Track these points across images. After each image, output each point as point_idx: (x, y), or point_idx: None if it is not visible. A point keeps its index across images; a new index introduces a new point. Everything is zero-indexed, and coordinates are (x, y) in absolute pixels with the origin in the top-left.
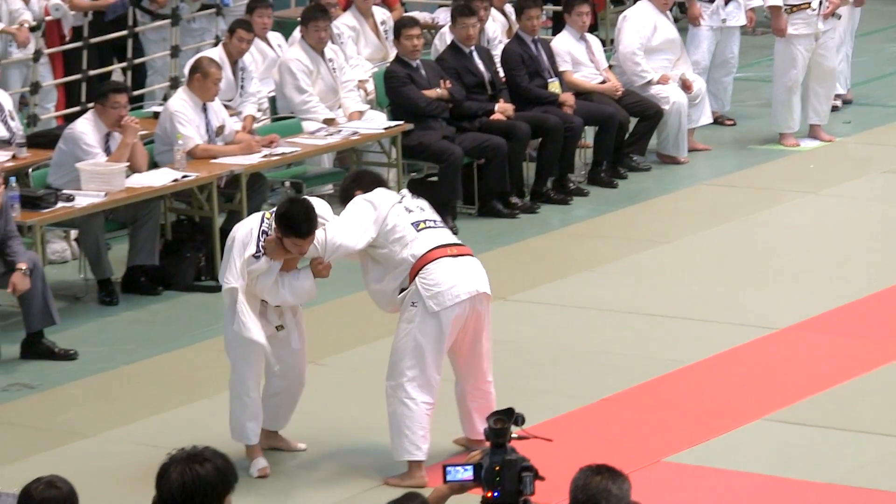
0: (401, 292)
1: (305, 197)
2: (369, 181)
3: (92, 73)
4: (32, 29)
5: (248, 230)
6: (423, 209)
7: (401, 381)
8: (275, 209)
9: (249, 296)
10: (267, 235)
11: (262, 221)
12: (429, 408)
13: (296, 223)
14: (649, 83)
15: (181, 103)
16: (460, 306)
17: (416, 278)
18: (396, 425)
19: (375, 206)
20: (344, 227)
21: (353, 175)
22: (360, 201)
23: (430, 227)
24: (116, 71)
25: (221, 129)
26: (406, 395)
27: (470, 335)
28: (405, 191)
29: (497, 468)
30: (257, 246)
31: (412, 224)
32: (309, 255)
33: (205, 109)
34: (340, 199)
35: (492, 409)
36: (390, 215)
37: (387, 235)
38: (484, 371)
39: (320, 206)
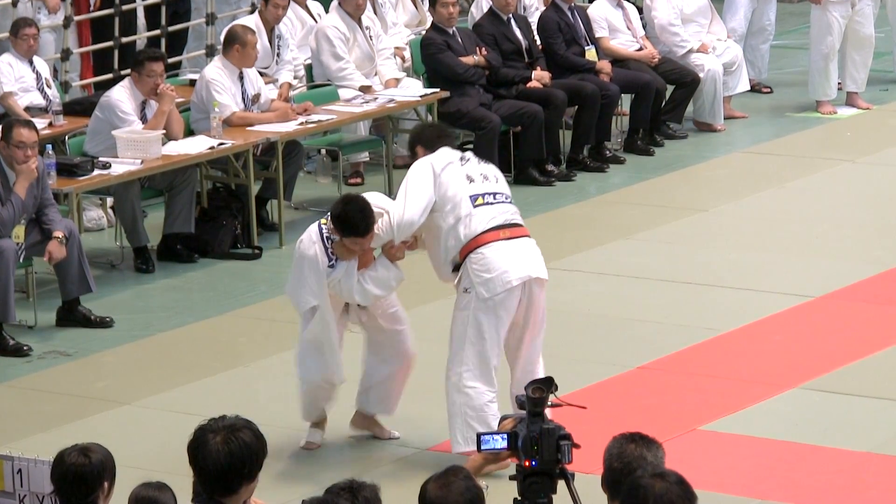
0: (453, 269)
1: (358, 194)
2: (432, 136)
3: (124, 40)
4: None
5: (312, 244)
6: (486, 178)
7: (460, 370)
8: (329, 213)
9: (332, 300)
10: (332, 241)
11: (321, 229)
12: (490, 397)
13: (352, 223)
14: (689, 52)
15: (217, 72)
16: (513, 292)
17: (467, 261)
18: (453, 416)
19: (433, 171)
20: (404, 204)
21: (418, 129)
22: (417, 169)
23: (488, 202)
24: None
25: (257, 97)
26: (464, 385)
27: (520, 322)
28: (470, 154)
29: (535, 437)
30: (328, 255)
31: (470, 197)
32: (378, 243)
33: (241, 78)
34: (408, 149)
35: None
36: (449, 181)
37: (442, 201)
38: (532, 361)
39: (376, 198)
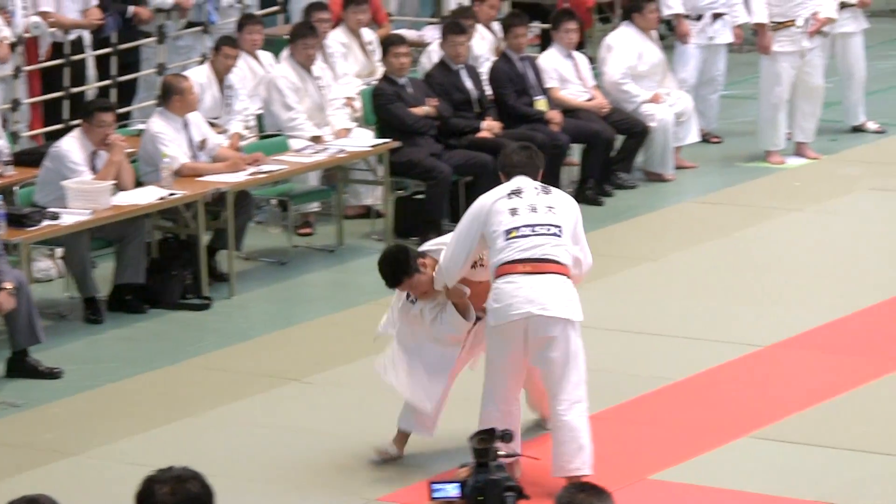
0: None
1: (398, 245)
2: (510, 164)
3: (74, 90)
4: (12, 46)
5: None
6: (534, 209)
7: (483, 392)
8: None
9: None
10: None
11: None
12: (503, 413)
13: (383, 276)
14: (641, 104)
15: (160, 124)
16: (513, 325)
17: (491, 288)
18: None
19: (482, 211)
20: (449, 252)
21: (506, 151)
22: (468, 214)
23: (524, 234)
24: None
25: (204, 142)
26: (482, 404)
27: (531, 358)
28: (531, 187)
29: (480, 487)
30: (408, 294)
31: (505, 231)
32: (436, 286)
33: (185, 126)
34: None
35: (564, 443)
36: (495, 215)
37: (486, 235)
38: (552, 396)
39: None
